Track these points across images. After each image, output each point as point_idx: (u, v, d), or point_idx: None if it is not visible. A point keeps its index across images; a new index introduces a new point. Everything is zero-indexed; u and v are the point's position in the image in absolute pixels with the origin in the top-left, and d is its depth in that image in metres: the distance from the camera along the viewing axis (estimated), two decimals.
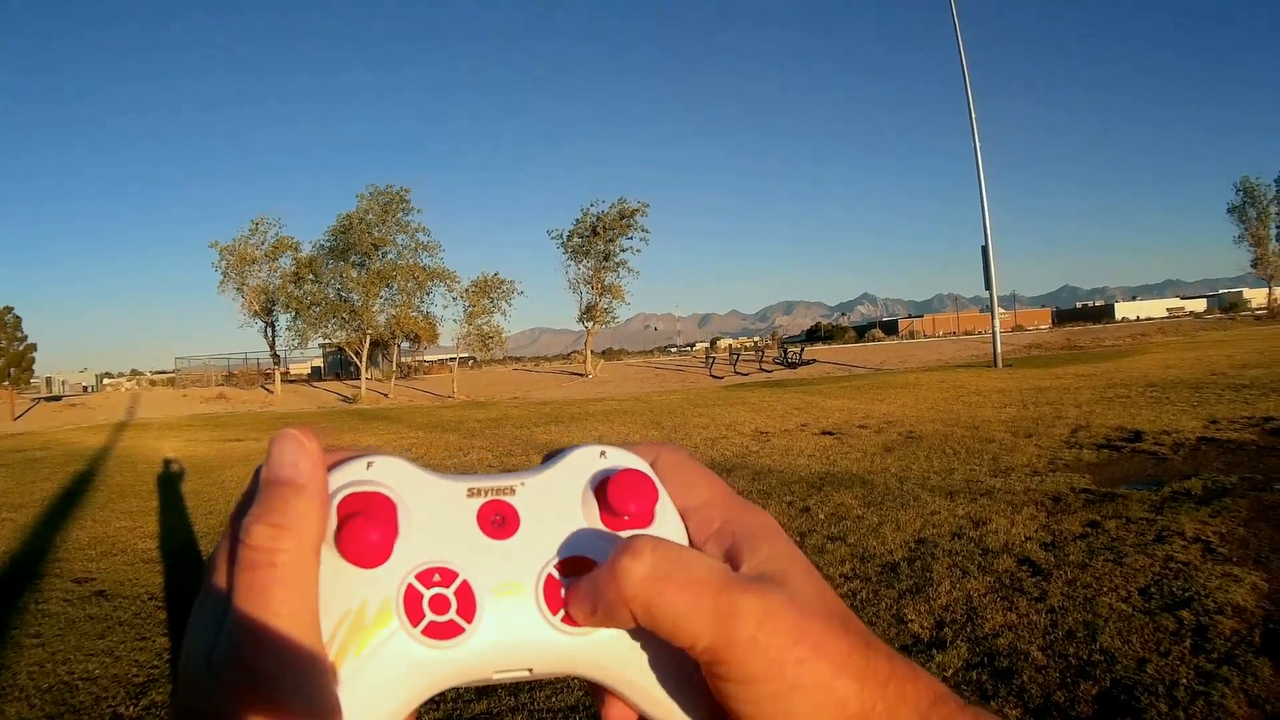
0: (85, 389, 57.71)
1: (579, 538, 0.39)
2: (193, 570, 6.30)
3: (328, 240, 39.18)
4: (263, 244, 39.70)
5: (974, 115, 27.51)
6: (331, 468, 0.37)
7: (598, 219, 41.95)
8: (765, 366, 37.27)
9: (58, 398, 41.96)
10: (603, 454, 0.42)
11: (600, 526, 0.39)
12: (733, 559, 0.37)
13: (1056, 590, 4.51)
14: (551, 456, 0.42)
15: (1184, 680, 3.39)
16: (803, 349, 43.16)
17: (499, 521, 0.38)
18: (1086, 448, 8.78)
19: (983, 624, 4.16)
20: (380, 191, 38.30)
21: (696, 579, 0.34)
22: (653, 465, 0.42)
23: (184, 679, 0.32)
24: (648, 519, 0.40)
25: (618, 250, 42.34)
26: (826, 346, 58.44)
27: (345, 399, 35.41)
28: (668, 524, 0.40)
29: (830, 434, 11.64)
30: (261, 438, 16.71)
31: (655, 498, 0.40)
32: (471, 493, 0.39)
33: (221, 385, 44.30)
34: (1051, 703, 3.33)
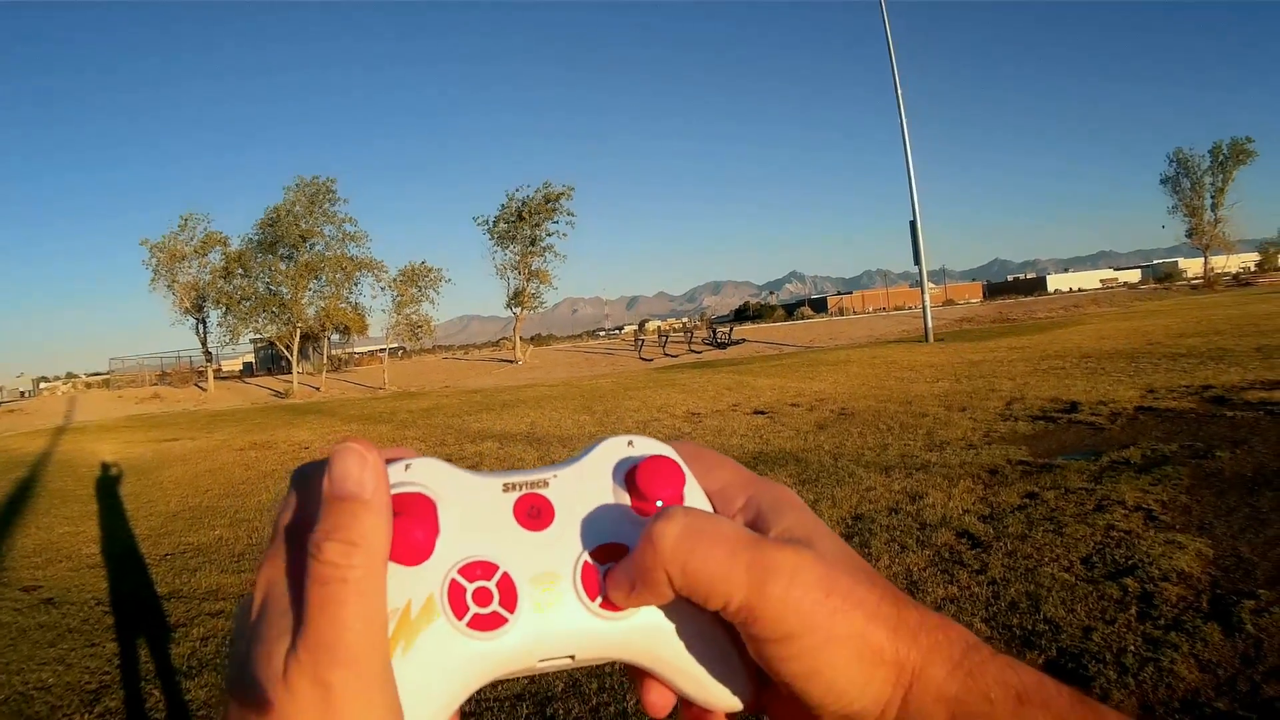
0: (23, 394, 56.29)
1: (611, 525, 0.40)
2: (137, 574, 6.21)
3: (256, 234, 39.09)
4: (192, 240, 39.19)
5: (900, 89, 27.61)
6: None
7: (523, 204, 41.94)
8: (695, 348, 37.20)
9: None
10: (630, 443, 0.44)
11: (631, 513, 0.41)
12: (759, 528, 0.39)
13: (997, 562, 4.42)
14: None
15: (1132, 647, 3.31)
16: (732, 329, 43.32)
17: (534, 514, 0.40)
18: (1022, 420, 8.76)
19: (924, 597, 4.04)
20: (307, 183, 38.43)
21: (727, 538, 0.36)
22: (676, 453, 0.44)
23: (245, 691, 0.32)
24: (677, 503, 0.41)
25: (544, 235, 42.38)
26: (756, 326, 58.35)
27: (277, 394, 34.81)
28: (696, 505, 0.41)
29: (762, 413, 11.55)
30: (197, 436, 16.41)
31: (683, 481, 0.42)
32: (506, 487, 0.41)
33: (156, 385, 43.34)
34: None
